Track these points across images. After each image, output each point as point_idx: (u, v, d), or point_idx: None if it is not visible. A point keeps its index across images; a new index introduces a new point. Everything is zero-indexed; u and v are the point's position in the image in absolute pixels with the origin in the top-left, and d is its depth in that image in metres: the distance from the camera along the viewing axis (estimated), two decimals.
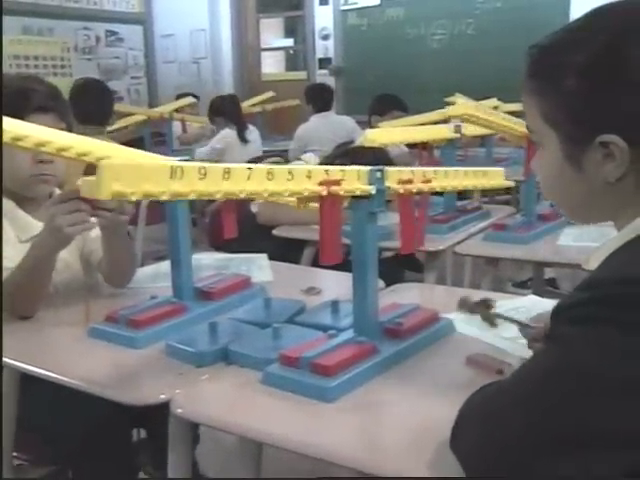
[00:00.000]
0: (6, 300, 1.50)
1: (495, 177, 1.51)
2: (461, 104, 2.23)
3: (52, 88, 1.69)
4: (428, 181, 1.31)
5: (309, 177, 1.12)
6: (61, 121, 1.65)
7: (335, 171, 1.15)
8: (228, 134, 4.95)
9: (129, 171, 0.94)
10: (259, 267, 1.89)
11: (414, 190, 1.28)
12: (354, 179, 1.17)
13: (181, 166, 0.98)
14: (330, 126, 5.25)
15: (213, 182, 1.01)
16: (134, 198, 0.94)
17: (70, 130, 1.68)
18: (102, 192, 0.92)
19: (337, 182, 1.14)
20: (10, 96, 1.57)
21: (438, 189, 1.36)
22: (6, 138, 1.25)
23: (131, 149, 1.47)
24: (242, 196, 1.03)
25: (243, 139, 4.96)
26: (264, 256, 1.98)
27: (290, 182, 1.09)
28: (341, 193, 1.14)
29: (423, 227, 1.47)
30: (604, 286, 0.79)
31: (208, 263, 1.89)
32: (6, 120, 1.28)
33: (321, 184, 1.13)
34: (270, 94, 6.29)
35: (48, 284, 1.56)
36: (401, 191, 1.25)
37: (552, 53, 0.89)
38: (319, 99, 5.47)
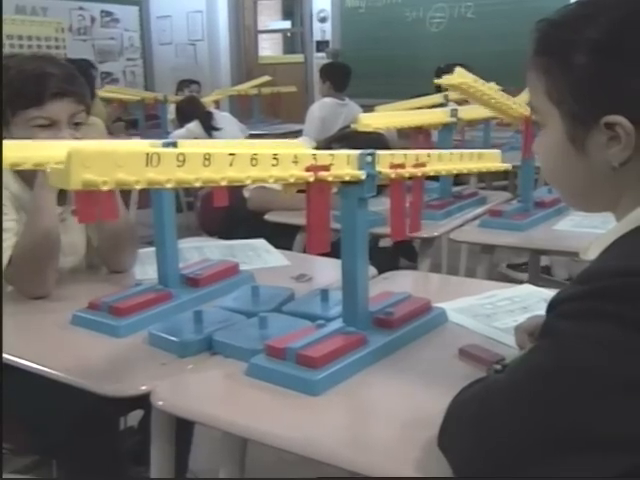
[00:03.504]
0: (15, 277, 1.49)
1: (491, 159, 1.47)
2: (458, 73, 2.11)
3: (68, 69, 1.62)
4: (422, 165, 1.27)
5: (296, 162, 1.07)
6: (79, 104, 1.59)
7: (323, 156, 1.10)
8: (192, 127, 4.83)
9: (101, 158, 0.88)
10: (267, 251, 1.85)
11: (406, 175, 1.24)
12: (344, 164, 1.13)
13: (157, 153, 0.92)
14: (345, 108, 5.20)
15: (192, 169, 0.95)
16: (106, 188, 0.87)
17: (89, 112, 1.63)
18: (72, 182, 0.85)
19: (325, 167, 1.09)
20: (26, 80, 1.53)
21: (432, 173, 1.32)
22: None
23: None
24: (223, 183, 0.98)
25: (209, 129, 4.81)
26: (263, 241, 1.94)
27: (275, 168, 1.04)
28: (329, 179, 1.10)
29: (419, 212, 1.42)
30: (603, 278, 0.74)
31: (210, 250, 1.85)
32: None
33: (308, 170, 1.08)
34: (266, 78, 6.21)
35: (57, 257, 1.52)
36: (393, 176, 1.21)
37: (562, 28, 0.84)
38: (340, 78, 5.36)
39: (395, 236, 1.29)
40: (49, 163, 1.16)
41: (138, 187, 0.90)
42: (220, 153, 0.98)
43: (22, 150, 1.22)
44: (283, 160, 1.05)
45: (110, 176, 0.88)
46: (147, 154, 0.91)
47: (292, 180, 1.05)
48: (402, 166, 1.22)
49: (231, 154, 0.99)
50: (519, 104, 2.13)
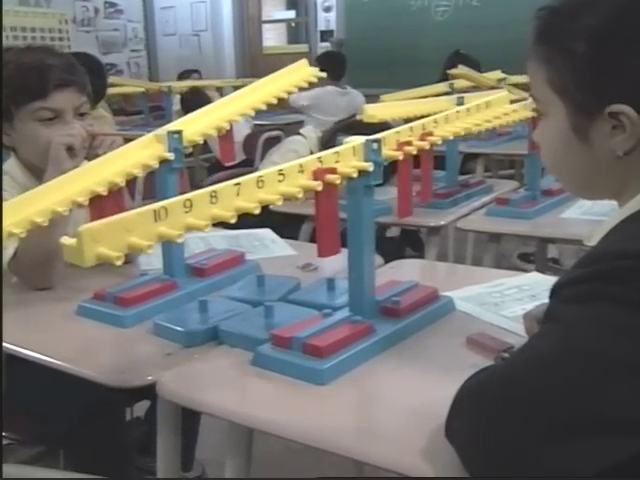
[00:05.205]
0: (20, 269, 1.48)
1: (501, 102, 1.43)
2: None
3: (68, 60, 1.61)
4: (429, 134, 1.25)
5: (302, 171, 1.06)
6: (81, 94, 1.58)
7: (328, 156, 1.09)
8: None
9: (110, 230, 0.88)
10: (273, 241, 1.84)
11: (414, 152, 1.22)
12: (350, 156, 1.12)
13: (164, 206, 0.92)
14: (346, 97, 5.20)
15: (201, 211, 0.95)
16: (120, 262, 0.87)
17: (91, 102, 1.63)
18: (86, 259, 0.86)
19: (332, 170, 1.08)
20: (27, 73, 1.51)
21: (441, 141, 1.29)
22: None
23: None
24: (233, 220, 0.97)
25: None
26: (269, 231, 1.93)
27: (282, 183, 1.03)
28: (337, 182, 1.09)
29: (430, 181, 1.37)
30: (605, 261, 0.74)
31: (216, 240, 1.84)
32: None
33: (315, 176, 1.07)
34: None
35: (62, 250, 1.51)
36: (400, 158, 1.20)
37: (563, 16, 0.84)
38: (336, 67, 5.36)
39: (401, 215, 1.28)
40: (65, 209, 1.17)
41: (150, 249, 0.90)
42: (225, 186, 0.98)
43: (32, 203, 1.15)
44: (289, 173, 1.04)
45: (122, 244, 0.88)
46: (154, 211, 0.91)
47: (300, 195, 1.04)
48: (409, 143, 1.21)
49: (237, 184, 0.99)
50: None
